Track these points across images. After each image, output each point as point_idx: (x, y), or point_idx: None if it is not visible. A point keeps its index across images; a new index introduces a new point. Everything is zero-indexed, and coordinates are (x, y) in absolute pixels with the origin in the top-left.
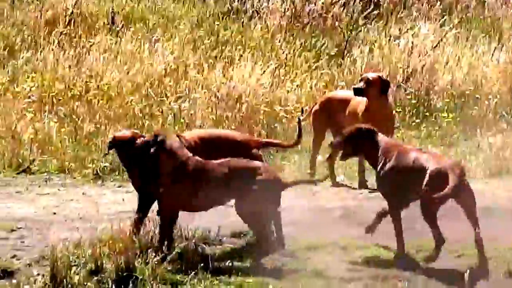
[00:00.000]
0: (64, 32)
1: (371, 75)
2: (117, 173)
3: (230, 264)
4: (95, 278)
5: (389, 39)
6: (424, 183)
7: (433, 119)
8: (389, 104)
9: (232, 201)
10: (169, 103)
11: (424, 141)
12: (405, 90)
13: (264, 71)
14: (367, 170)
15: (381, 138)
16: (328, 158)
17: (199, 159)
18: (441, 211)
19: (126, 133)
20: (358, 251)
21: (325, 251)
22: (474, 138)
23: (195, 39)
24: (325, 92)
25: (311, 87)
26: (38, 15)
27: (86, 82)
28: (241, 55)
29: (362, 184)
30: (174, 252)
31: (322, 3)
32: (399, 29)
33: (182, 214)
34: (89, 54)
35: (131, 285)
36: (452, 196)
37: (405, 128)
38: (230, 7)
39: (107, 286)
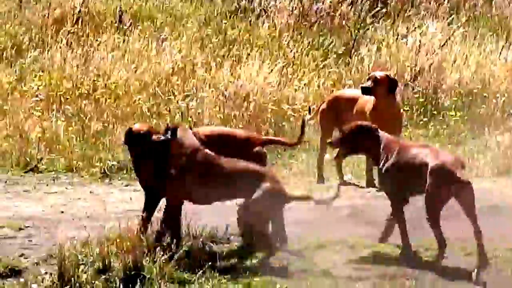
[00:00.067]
0: (71, 31)
1: (379, 74)
2: (124, 172)
3: (238, 263)
4: (103, 276)
5: (397, 38)
6: (427, 181)
7: (441, 118)
8: (397, 103)
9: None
10: (177, 101)
11: (432, 139)
12: (413, 89)
13: (272, 70)
14: (375, 168)
15: (382, 134)
16: (336, 157)
17: (210, 153)
18: (449, 210)
19: (142, 126)
20: (366, 249)
21: (332, 250)
22: (482, 136)
23: (202, 37)
24: (332, 90)
25: (318, 86)
26: (46, 14)
27: (94, 81)
28: (249, 54)
29: (370, 183)
30: (181, 251)
31: (330, 1)
32: (407, 28)
33: (189, 213)
34: (96, 53)
35: (138, 283)
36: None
37: (413, 126)
38: (237, 6)
39: (114, 284)
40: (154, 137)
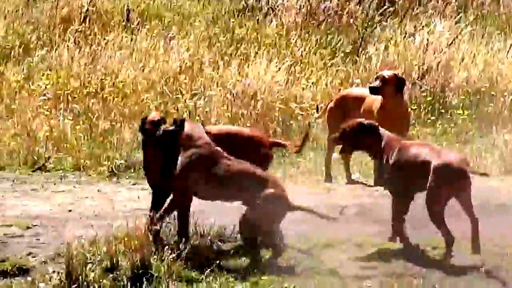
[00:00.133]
0: (79, 30)
1: (387, 73)
2: (132, 171)
3: (245, 262)
4: (111, 275)
5: (405, 36)
6: (429, 180)
7: (449, 116)
8: (405, 101)
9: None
10: (184, 100)
11: (440, 138)
12: (421, 87)
13: (280, 68)
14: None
15: (383, 132)
16: (344, 155)
17: (218, 150)
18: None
19: (156, 115)
20: (374, 248)
21: (340, 248)
22: (490, 135)
23: (210, 36)
24: (340, 89)
25: (326, 84)
26: (54, 13)
27: (101, 79)
28: (256, 52)
29: (378, 182)
30: (188, 248)
31: (338, 0)
32: (415, 26)
33: (196, 211)
34: (104, 52)
35: (146, 282)
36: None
37: (421, 125)
38: (245, 4)
39: (122, 283)
40: (163, 126)
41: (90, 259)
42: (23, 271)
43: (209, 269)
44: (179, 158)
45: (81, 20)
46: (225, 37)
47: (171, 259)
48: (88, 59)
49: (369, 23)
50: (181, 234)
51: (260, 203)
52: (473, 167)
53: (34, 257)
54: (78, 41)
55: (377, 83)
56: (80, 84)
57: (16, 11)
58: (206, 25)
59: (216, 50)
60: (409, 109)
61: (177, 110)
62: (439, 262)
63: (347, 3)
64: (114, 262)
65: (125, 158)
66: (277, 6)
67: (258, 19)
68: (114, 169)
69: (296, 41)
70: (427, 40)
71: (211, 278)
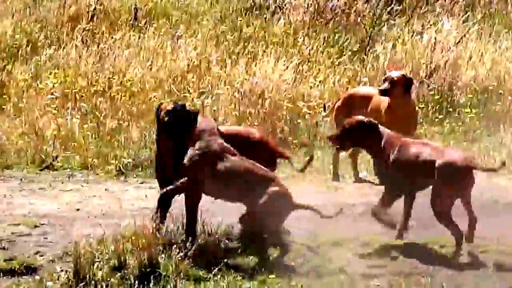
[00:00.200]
0: (87, 28)
1: (395, 75)
2: (140, 169)
3: (253, 260)
4: (118, 274)
5: (412, 35)
6: (432, 177)
7: (456, 115)
8: (412, 101)
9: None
10: (192, 99)
11: (447, 136)
12: (428, 86)
13: (287, 67)
14: None
15: (383, 130)
16: (351, 154)
17: (228, 146)
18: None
19: (169, 104)
20: (381, 247)
21: (347, 247)
22: (497, 133)
23: (218, 35)
24: (348, 88)
25: (334, 83)
26: (61, 12)
27: (109, 78)
28: (264, 51)
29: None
30: (195, 247)
31: None
32: (422, 25)
33: (204, 210)
34: (111, 50)
35: (154, 281)
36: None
37: (428, 124)
38: (253, 3)
39: (130, 282)
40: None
41: (98, 257)
42: (31, 270)
43: (216, 268)
44: (189, 150)
45: (89, 19)
46: (232, 35)
47: (179, 258)
48: (96, 58)
49: (377, 21)
50: (188, 232)
51: (265, 201)
52: (479, 163)
53: (42, 256)
54: (86, 40)
55: (386, 85)
56: (88, 83)
57: (24, 9)
58: (214, 24)
59: (224, 49)
60: (417, 108)
61: None
62: (446, 261)
63: (355, 1)
64: (122, 260)
65: (132, 157)
66: (285, 5)
67: (265, 18)
68: (121, 168)
69: (303, 40)
70: (435, 38)
71: (218, 276)
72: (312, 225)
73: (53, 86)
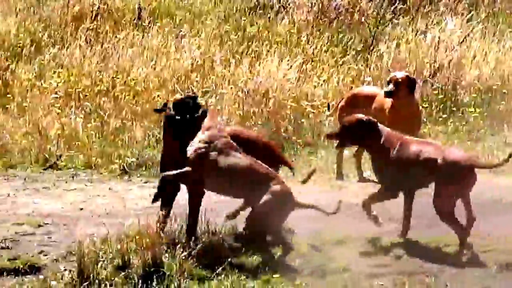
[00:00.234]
0: (90, 28)
1: (400, 76)
2: (144, 169)
3: (257, 259)
4: (122, 273)
5: (416, 34)
6: (433, 176)
7: (460, 114)
8: (416, 100)
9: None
10: None
11: (451, 136)
12: (432, 85)
13: (291, 66)
14: None
15: (382, 129)
16: (355, 153)
17: (231, 142)
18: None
19: (179, 98)
20: (385, 246)
21: (351, 246)
22: (501, 133)
23: (221, 34)
24: (351, 87)
25: (337, 82)
26: (65, 11)
27: (113, 77)
28: (268, 51)
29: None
30: (199, 246)
31: None
32: (426, 24)
33: (208, 209)
34: (115, 50)
35: (158, 280)
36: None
37: (432, 123)
38: (256, 2)
39: (134, 281)
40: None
41: (102, 257)
42: (34, 269)
43: (220, 267)
44: (194, 141)
45: (93, 18)
46: (236, 35)
47: (183, 257)
48: (100, 57)
49: (381, 21)
50: (189, 228)
51: (266, 199)
52: (481, 161)
53: (45, 255)
54: (90, 39)
55: (391, 87)
56: (92, 82)
57: (28, 9)
58: (218, 23)
59: (228, 48)
60: (420, 108)
61: None
62: (451, 260)
63: (358, 1)
64: (126, 260)
65: (136, 156)
66: (289, 4)
67: (269, 17)
68: (125, 167)
69: (307, 39)
70: (439, 38)
71: (222, 276)
72: (316, 224)
73: (57, 85)
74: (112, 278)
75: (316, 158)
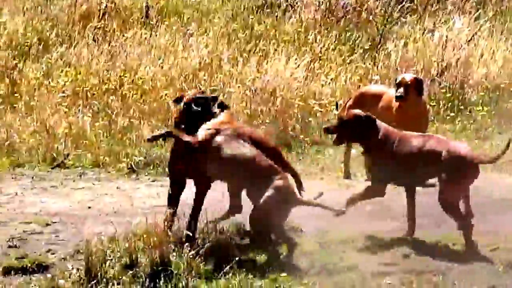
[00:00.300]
0: (98, 27)
1: (408, 78)
2: (151, 167)
3: (264, 258)
4: (130, 272)
5: (424, 33)
6: (440, 172)
7: (468, 113)
8: (423, 100)
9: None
10: None
11: (459, 134)
12: (440, 84)
13: (298, 65)
14: None
15: (380, 124)
16: (363, 152)
17: (240, 132)
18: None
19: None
20: (393, 245)
21: (358, 245)
22: (509, 131)
23: (229, 33)
24: (359, 86)
25: (345, 81)
26: (72, 10)
27: (120, 76)
28: (275, 49)
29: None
30: (207, 244)
31: None
32: (434, 23)
33: (216, 208)
34: (123, 48)
35: (165, 279)
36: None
37: (440, 121)
38: (264, 1)
39: (141, 280)
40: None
41: (110, 255)
42: (42, 268)
43: (228, 266)
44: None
45: (100, 17)
46: (244, 33)
47: (190, 256)
48: (107, 56)
49: (388, 19)
50: (192, 215)
51: (268, 194)
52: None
53: (53, 254)
54: (97, 38)
55: (401, 91)
56: (99, 81)
57: (35, 8)
58: (225, 22)
59: (235, 47)
60: (428, 107)
61: None
62: (458, 259)
63: None
64: (134, 258)
65: (144, 155)
66: (296, 3)
67: (277, 16)
68: (133, 166)
69: (315, 38)
70: (446, 36)
71: (230, 274)
72: (323, 223)
73: (65, 84)
74: (120, 277)
75: (324, 156)
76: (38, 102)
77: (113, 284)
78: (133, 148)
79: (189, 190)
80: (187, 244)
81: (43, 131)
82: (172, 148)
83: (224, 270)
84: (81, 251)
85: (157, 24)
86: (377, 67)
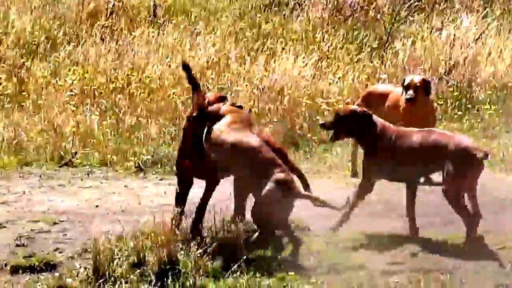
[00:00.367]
0: (105, 25)
1: (417, 80)
2: (159, 166)
3: (272, 257)
4: (138, 270)
5: (431, 32)
6: (447, 163)
7: (475, 111)
8: (430, 99)
9: None
10: None
11: (467, 133)
12: (447, 82)
13: (306, 64)
14: None
15: (376, 120)
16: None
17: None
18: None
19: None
20: (400, 244)
21: (366, 244)
22: None
23: (237, 31)
24: (367, 84)
25: (353, 80)
26: (80, 8)
27: (128, 75)
28: (283, 48)
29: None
30: (215, 243)
31: None
32: (441, 22)
33: (223, 207)
34: (130, 47)
35: (173, 277)
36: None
37: (447, 120)
38: (271, 0)
39: (149, 278)
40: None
41: (117, 254)
42: (50, 266)
43: (236, 265)
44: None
45: (108, 15)
46: (251, 32)
47: (198, 255)
48: (115, 55)
49: (396, 18)
50: (199, 208)
51: (270, 187)
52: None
53: (61, 252)
54: (105, 36)
55: (411, 93)
56: (107, 80)
57: (43, 6)
58: (233, 21)
59: (243, 46)
60: (435, 106)
61: None
62: (466, 257)
63: None
64: (141, 257)
65: (151, 153)
66: (304, 1)
67: (284, 14)
68: (140, 164)
69: (322, 36)
70: (454, 35)
71: (238, 273)
72: (331, 222)
73: (72, 83)
74: (128, 276)
75: (331, 155)
76: (45, 101)
77: (120, 283)
78: (141, 146)
79: (197, 189)
80: (194, 242)
81: (51, 130)
82: (179, 147)
83: (232, 269)
84: (88, 249)
85: (165, 23)
86: (385, 65)
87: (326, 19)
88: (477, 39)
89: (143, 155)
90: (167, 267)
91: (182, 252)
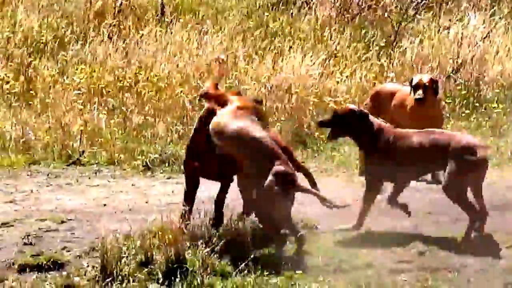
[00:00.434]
0: (113, 24)
1: (426, 79)
2: (166, 165)
3: (280, 255)
4: (145, 269)
5: (439, 30)
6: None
7: (483, 110)
8: (438, 99)
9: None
10: None
11: (474, 132)
12: (455, 81)
13: (314, 62)
14: None
15: (373, 120)
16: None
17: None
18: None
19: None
20: (408, 242)
21: (374, 242)
22: None
23: (244, 30)
24: (374, 83)
25: (360, 78)
26: (88, 7)
27: (136, 73)
28: (291, 47)
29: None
30: (222, 242)
31: None
32: (449, 20)
33: (230, 205)
34: (138, 46)
35: (180, 276)
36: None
37: (455, 119)
38: None
39: (157, 277)
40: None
41: (125, 253)
42: (58, 265)
43: (243, 263)
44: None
45: (115, 14)
46: (259, 31)
47: (206, 253)
48: (122, 53)
49: (404, 17)
50: (217, 202)
51: (269, 180)
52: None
53: (68, 251)
54: (112, 35)
55: (420, 93)
56: (114, 78)
57: (51, 5)
58: (240, 19)
59: (250, 44)
60: (442, 105)
61: None
62: (473, 256)
63: None
64: (149, 256)
65: (159, 152)
66: (311, 0)
67: (292, 13)
68: (148, 163)
69: (330, 35)
70: (462, 33)
71: (245, 272)
72: (337, 219)
73: (80, 81)
74: (135, 274)
75: (339, 153)
76: (53, 100)
77: (128, 282)
78: (148, 145)
79: (205, 188)
80: (201, 241)
81: (59, 129)
82: (187, 145)
83: (240, 268)
84: (96, 248)
85: (172, 21)
86: (393, 64)
87: (333, 17)
88: (484, 38)
89: (150, 154)
90: (175, 265)
91: (190, 251)
